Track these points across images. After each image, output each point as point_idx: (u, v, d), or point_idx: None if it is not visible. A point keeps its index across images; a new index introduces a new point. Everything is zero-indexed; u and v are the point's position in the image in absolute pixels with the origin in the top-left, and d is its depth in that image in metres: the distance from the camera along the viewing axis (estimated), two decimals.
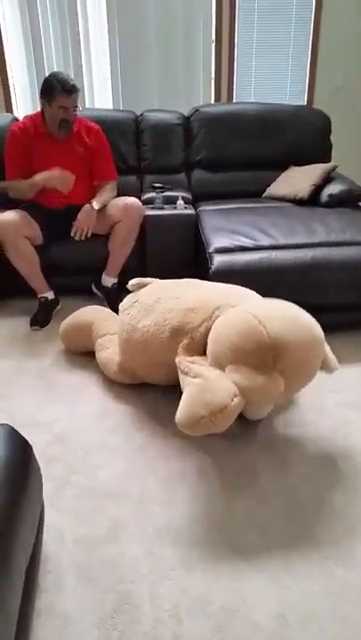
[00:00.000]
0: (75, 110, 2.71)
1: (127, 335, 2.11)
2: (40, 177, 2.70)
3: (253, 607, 1.39)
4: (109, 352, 2.27)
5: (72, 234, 2.74)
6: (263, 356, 1.67)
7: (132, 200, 2.84)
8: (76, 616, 1.37)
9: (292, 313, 1.79)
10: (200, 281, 2.22)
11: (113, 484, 1.78)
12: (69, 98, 2.63)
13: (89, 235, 2.76)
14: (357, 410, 2.13)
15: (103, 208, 2.82)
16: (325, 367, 1.87)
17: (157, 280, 2.30)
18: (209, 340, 1.84)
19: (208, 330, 1.88)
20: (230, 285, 2.14)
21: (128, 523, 1.63)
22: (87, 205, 2.75)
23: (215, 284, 2.18)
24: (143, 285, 2.25)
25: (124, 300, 2.27)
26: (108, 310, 2.51)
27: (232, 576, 1.47)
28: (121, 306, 2.27)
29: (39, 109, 2.79)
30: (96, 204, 2.76)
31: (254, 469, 1.83)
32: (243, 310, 1.79)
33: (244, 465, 1.85)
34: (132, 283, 2.28)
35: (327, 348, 1.89)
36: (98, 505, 1.70)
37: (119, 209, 2.80)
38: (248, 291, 2.08)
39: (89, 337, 2.40)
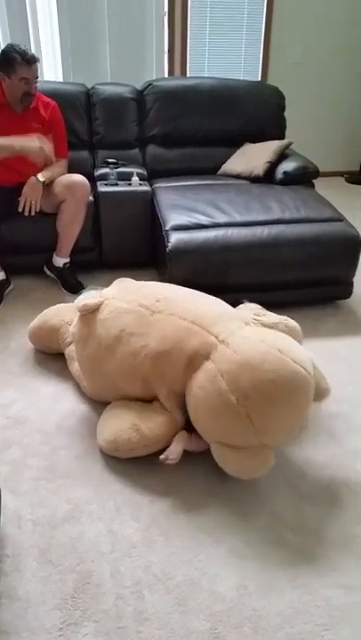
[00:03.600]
0: (36, 82, 2.59)
1: (90, 375, 1.94)
2: (18, 144, 2.57)
3: (215, 579, 1.41)
4: (77, 366, 2.09)
5: (20, 209, 2.64)
6: (246, 436, 1.56)
7: (77, 178, 2.72)
8: (38, 598, 1.35)
9: (272, 366, 1.54)
10: (163, 289, 1.92)
11: (71, 465, 1.76)
12: (30, 68, 2.52)
13: (37, 209, 2.66)
14: None
15: (50, 185, 2.72)
16: (318, 397, 1.71)
17: (105, 292, 1.99)
18: (189, 409, 1.70)
19: (182, 386, 1.71)
20: (206, 305, 1.83)
21: (88, 502, 1.62)
22: (32, 177, 2.64)
23: (186, 299, 1.86)
24: (93, 309, 1.92)
25: (75, 326, 1.99)
26: (74, 311, 2.30)
27: (193, 550, 1.48)
28: (72, 331, 2.02)
29: None
30: (41, 177, 2.65)
31: None
32: (215, 374, 1.59)
33: None
34: (78, 305, 1.95)
35: (317, 374, 1.69)
36: (56, 486, 1.68)
37: (63, 187, 2.69)
38: (225, 311, 1.82)
39: (57, 341, 2.24)
